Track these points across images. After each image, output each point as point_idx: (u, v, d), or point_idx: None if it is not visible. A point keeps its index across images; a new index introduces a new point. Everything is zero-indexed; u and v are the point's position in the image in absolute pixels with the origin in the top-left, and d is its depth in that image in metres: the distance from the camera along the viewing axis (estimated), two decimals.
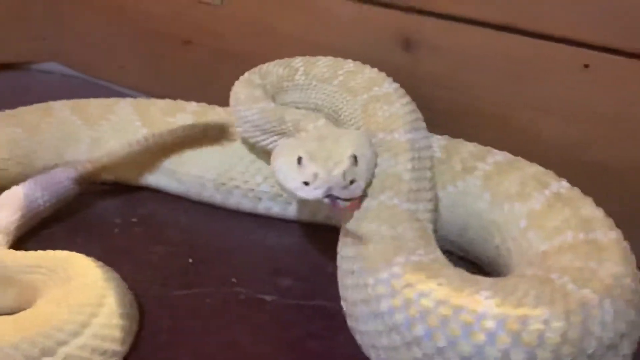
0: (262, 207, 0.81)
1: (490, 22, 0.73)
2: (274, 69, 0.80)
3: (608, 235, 0.57)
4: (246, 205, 0.81)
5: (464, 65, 0.76)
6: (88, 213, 0.83)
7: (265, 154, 0.77)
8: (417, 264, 0.55)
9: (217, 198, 0.82)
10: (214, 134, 0.80)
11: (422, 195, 0.67)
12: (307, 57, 0.80)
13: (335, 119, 0.78)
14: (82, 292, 0.59)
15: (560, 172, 0.68)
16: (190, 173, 0.82)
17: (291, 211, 0.80)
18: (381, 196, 0.63)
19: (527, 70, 0.73)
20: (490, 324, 0.49)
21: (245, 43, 0.93)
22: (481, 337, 0.49)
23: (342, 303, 0.62)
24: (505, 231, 0.65)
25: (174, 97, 0.90)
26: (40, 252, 0.65)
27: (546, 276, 0.53)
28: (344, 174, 0.58)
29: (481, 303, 0.50)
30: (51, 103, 0.88)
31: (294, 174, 0.61)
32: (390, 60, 0.79)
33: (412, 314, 0.52)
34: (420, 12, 0.76)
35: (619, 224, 0.63)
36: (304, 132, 0.71)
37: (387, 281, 0.55)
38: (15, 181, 0.80)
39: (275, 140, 0.74)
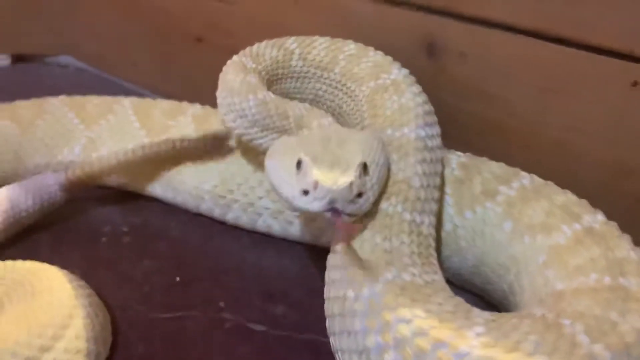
0: (261, 224, 0.77)
1: (524, 27, 0.67)
2: (266, 50, 0.73)
3: None
4: (245, 221, 0.78)
5: (493, 74, 0.71)
6: (78, 219, 0.81)
7: None
8: (407, 284, 0.51)
9: (216, 212, 0.79)
10: (212, 143, 0.75)
11: (429, 207, 0.61)
12: (302, 37, 0.74)
13: (337, 114, 0.72)
14: (46, 311, 0.56)
15: (597, 203, 0.63)
16: (186, 182, 0.79)
17: (293, 231, 0.76)
18: (383, 203, 0.58)
19: (566, 84, 0.67)
20: None
21: (257, 42, 0.88)
22: None
23: (327, 319, 0.57)
24: (521, 266, 0.60)
25: (186, 97, 0.88)
26: (7, 262, 0.62)
27: (556, 320, 0.48)
28: (352, 185, 0.52)
29: (467, 340, 0.46)
30: (49, 98, 0.87)
31: (292, 180, 0.55)
32: (413, 66, 0.74)
33: (385, 340, 0.48)
34: (446, 14, 0.71)
35: None
36: (306, 130, 0.65)
37: (367, 298, 0.51)
38: (5, 180, 0.79)
39: (273, 139, 0.68)
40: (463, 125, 0.75)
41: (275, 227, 0.76)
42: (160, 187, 0.81)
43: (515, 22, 0.67)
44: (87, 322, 0.57)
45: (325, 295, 0.57)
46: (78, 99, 0.87)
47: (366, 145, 0.58)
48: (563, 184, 0.65)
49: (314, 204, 0.52)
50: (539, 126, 0.70)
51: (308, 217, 0.74)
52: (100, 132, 0.83)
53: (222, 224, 0.80)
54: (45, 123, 0.84)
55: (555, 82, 0.67)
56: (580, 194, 0.64)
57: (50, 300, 0.57)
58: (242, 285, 0.70)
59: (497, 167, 0.67)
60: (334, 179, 0.52)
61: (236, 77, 0.69)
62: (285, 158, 0.57)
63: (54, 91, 0.90)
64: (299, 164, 0.55)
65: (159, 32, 1.05)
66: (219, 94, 0.71)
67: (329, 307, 0.56)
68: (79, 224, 0.80)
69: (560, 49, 0.65)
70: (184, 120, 0.81)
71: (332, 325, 0.55)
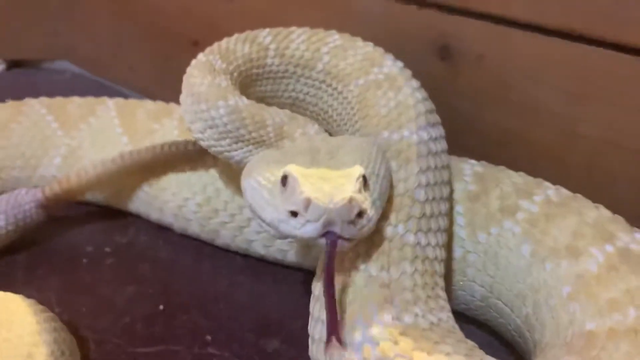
0: (254, 253, 0.70)
1: (551, 27, 0.60)
2: (237, 46, 0.64)
3: None
4: (234, 248, 0.72)
5: (515, 79, 0.65)
6: (58, 239, 0.76)
7: None
8: (409, 328, 0.44)
9: (203, 237, 0.73)
10: (196, 152, 0.69)
11: (436, 224, 0.54)
12: (278, 29, 0.66)
13: (321, 119, 0.64)
14: (1, 350, 0.49)
15: (635, 225, 0.55)
16: (170, 202, 0.73)
17: (290, 258, 0.69)
18: (381, 222, 0.51)
19: (600, 90, 0.61)
20: None
21: None
22: None
23: None
24: (541, 297, 0.53)
25: None
26: None
27: None
28: (351, 202, 0.44)
29: None
30: (28, 100, 0.82)
31: (276, 200, 0.47)
32: (424, 70, 0.67)
33: None
34: (462, 12, 0.64)
35: None
36: (287, 141, 0.58)
37: (359, 346, 0.44)
38: None
39: (249, 152, 0.60)
40: (480, 136, 0.68)
41: (269, 257, 0.69)
42: (145, 207, 0.75)
43: (541, 21, 0.61)
44: None
45: (309, 333, 0.50)
46: (59, 100, 0.82)
47: (363, 153, 0.50)
48: (595, 202, 0.58)
49: (306, 228, 0.44)
50: (569, 137, 0.63)
51: (304, 245, 0.66)
52: (80, 138, 0.77)
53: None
54: (20, 127, 0.78)
55: (588, 87, 0.60)
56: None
57: (8, 337, 0.52)
58: (232, 316, 0.65)
59: (518, 178, 0.60)
60: (330, 195, 0.43)
61: (203, 79, 0.60)
62: (267, 175, 0.49)
63: (49, 97, 0.85)
64: (284, 179, 0.47)
65: (155, 35, 1.00)
66: (183, 99, 0.63)
67: (314, 351, 0.49)
68: (59, 245, 0.75)
69: (594, 50, 0.58)
70: (169, 124, 0.75)
71: None
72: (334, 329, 0.42)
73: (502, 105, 0.66)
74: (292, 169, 0.47)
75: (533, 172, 0.63)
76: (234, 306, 0.66)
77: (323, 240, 0.45)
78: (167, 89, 1.02)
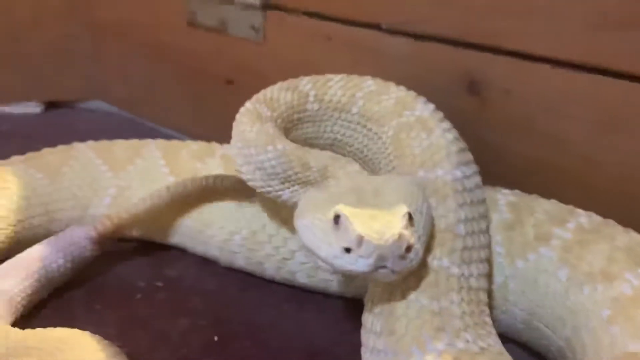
0: (298, 284, 0.74)
1: (575, 62, 0.63)
2: (280, 94, 0.69)
3: None
4: (280, 280, 0.75)
5: (541, 111, 0.68)
6: (111, 275, 0.79)
7: None
8: (462, 352, 0.47)
9: (249, 269, 0.76)
10: (240, 186, 0.72)
11: (477, 255, 0.57)
12: (315, 77, 0.70)
13: (358, 159, 0.68)
14: None
15: None
16: (215, 236, 0.76)
17: (332, 288, 0.72)
18: (427, 256, 0.54)
19: (622, 121, 0.63)
20: None
21: None
22: None
23: None
24: (581, 320, 0.55)
25: (217, 139, 0.86)
26: (38, 330, 0.59)
27: None
28: (400, 238, 0.47)
29: None
30: (76, 144, 0.86)
31: (329, 237, 0.50)
32: (454, 105, 0.71)
33: None
34: (488, 49, 0.67)
35: None
36: (332, 181, 0.61)
37: None
38: (37, 235, 0.77)
39: (296, 191, 0.64)
40: (509, 165, 0.71)
41: (313, 287, 0.73)
42: (191, 241, 0.79)
43: (565, 57, 0.64)
44: None
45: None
46: (105, 143, 0.86)
47: (406, 192, 0.54)
48: (624, 226, 0.61)
49: (359, 263, 0.48)
50: (595, 164, 0.65)
51: (348, 276, 0.69)
52: (129, 179, 0.81)
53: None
54: (71, 170, 0.81)
55: (614, 118, 0.63)
56: None
57: None
58: (282, 344, 0.67)
59: (550, 206, 0.63)
60: (380, 232, 0.47)
61: (252, 126, 0.65)
62: (318, 215, 0.52)
63: (86, 137, 0.89)
64: (336, 219, 0.50)
65: (189, 75, 1.05)
66: (234, 144, 0.67)
67: None
68: (113, 280, 0.78)
69: (617, 82, 0.61)
70: (212, 162, 0.79)
71: None
72: None
73: (529, 137, 0.68)
74: (343, 209, 0.50)
75: (560, 197, 0.66)
76: (282, 335, 0.68)
77: (382, 271, 0.48)
78: (202, 127, 1.06)
